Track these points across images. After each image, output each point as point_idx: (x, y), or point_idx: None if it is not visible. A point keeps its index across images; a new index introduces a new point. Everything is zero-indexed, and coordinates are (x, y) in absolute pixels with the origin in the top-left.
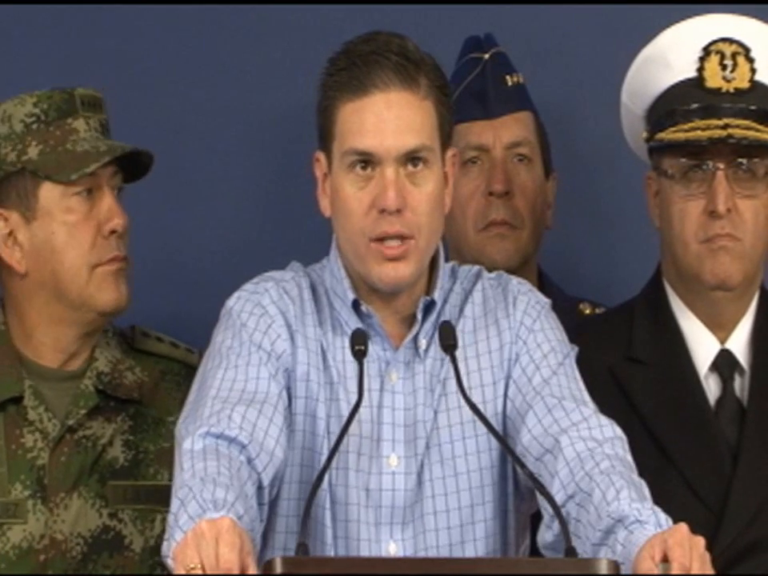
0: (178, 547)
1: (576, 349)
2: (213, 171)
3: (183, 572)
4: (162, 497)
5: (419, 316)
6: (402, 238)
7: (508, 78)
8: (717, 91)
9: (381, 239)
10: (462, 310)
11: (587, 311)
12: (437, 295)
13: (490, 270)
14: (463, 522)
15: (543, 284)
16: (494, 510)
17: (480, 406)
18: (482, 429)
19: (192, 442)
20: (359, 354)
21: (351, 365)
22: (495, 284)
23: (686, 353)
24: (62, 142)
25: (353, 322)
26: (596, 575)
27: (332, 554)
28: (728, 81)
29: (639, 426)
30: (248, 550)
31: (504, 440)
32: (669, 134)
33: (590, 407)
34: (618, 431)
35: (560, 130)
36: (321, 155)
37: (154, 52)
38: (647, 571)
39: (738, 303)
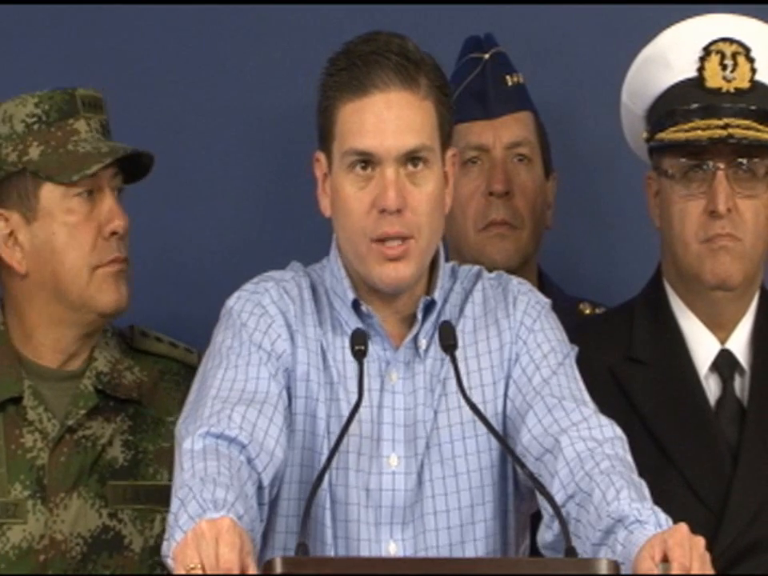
0: (178, 547)
1: (576, 349)
2: (213, 171)
3: (183, 572)
4: (161, 497)
5: (419, 316)
6: (402, 238)
7: (508, 77)
8: (717, 91)
9: (381, 240)
10: (462, 310)
11: (587, 311)
12: (437, 295)
13: (490, 270)
14: (463, 522)
15: (543, 284)
16: (494, 509)
17: (480, 406)
18: (482, 429)
19: (192, 442)
20: (359, 354)
21: (351, 365)
22: (495, 284)
23: (686, 353)
24: (63, 142)
25: (353, 322)
26: (596, 575)
27: (332, 553)
28: (728, 81)
29: (639, 425)
30: (248, 550)
31: (504, 440)
32: (669, 134)
33: (590, 407)
34: (618, 431)
35: (560, 130)
36: (321, 155)
37: (154, 52)
38: (647, 571)
39: (738, 303)
